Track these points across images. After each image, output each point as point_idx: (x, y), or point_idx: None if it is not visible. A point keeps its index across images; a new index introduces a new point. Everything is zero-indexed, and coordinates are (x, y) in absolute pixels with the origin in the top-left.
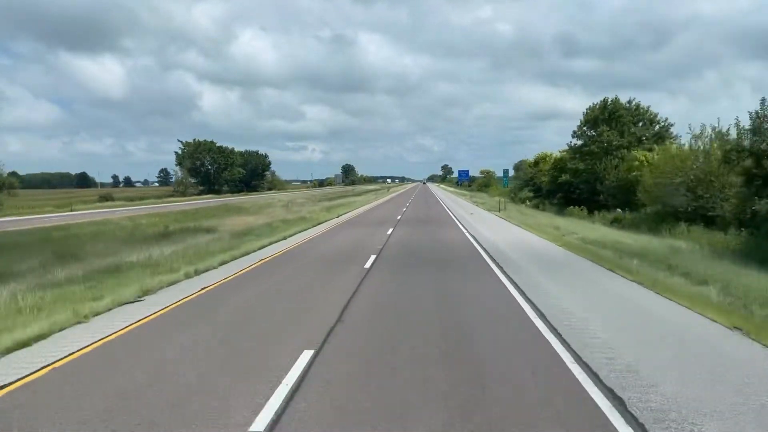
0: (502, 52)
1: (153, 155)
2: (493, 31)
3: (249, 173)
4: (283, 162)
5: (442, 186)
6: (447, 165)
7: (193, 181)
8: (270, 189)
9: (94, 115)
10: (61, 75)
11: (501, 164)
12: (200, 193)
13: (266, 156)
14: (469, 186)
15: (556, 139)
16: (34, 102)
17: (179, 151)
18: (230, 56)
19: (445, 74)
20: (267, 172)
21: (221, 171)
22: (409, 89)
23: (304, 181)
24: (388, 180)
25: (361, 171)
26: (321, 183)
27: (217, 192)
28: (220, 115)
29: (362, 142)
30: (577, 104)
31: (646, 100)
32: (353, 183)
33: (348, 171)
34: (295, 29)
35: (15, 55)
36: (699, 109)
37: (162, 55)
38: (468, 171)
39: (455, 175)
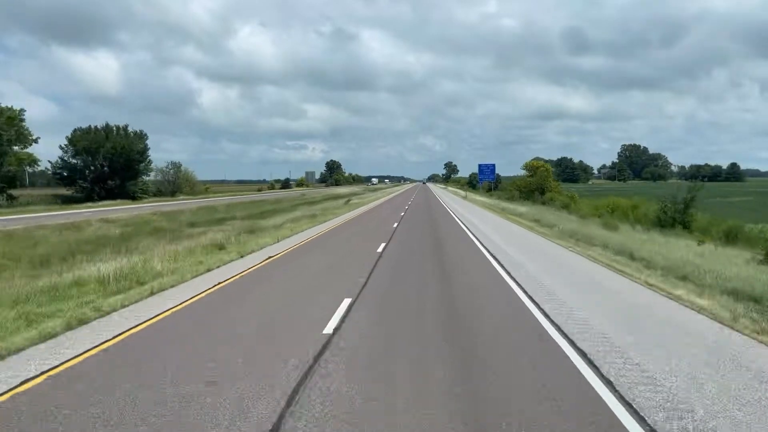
0: (507, 49)
1: (153, 153)
2: (498, 28)
3: (110, 164)
4: (284, 161)
5: (449, 188)
6: (451, 162)
7: None
8: (173, 193)
9: (91, 111)
10: (54, 70)
11: (502, 164)
12: None
13: (142, 137)
14: (494, 189)
15: (559, 140)
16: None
17: None
18: (229, 52)
19: (449, 72)
20: (167, 167)
21: None
22: (411, 87)
23: (260, 182)
24: (374, 180)
25: (363, 171)
26: (286, 184)
27: None
28: (220, 112)
29: (363, 141)
30: (582, 104)
31: (655, 99)
32: (337, 183)
33: (333, 169)
34: (295, 24)
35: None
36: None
37: (158, 50)
38: (494, 166)
39: (461, 174)
